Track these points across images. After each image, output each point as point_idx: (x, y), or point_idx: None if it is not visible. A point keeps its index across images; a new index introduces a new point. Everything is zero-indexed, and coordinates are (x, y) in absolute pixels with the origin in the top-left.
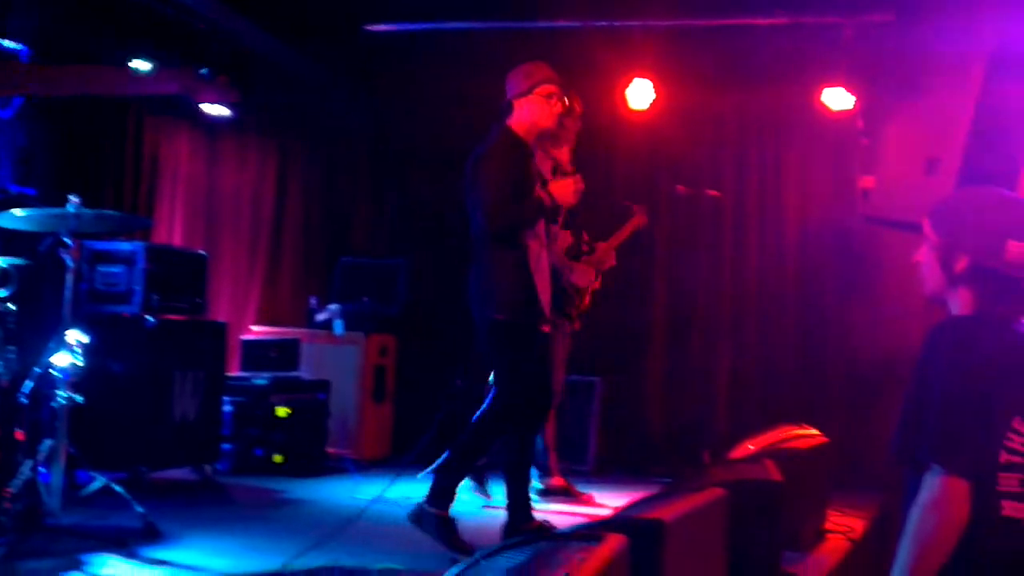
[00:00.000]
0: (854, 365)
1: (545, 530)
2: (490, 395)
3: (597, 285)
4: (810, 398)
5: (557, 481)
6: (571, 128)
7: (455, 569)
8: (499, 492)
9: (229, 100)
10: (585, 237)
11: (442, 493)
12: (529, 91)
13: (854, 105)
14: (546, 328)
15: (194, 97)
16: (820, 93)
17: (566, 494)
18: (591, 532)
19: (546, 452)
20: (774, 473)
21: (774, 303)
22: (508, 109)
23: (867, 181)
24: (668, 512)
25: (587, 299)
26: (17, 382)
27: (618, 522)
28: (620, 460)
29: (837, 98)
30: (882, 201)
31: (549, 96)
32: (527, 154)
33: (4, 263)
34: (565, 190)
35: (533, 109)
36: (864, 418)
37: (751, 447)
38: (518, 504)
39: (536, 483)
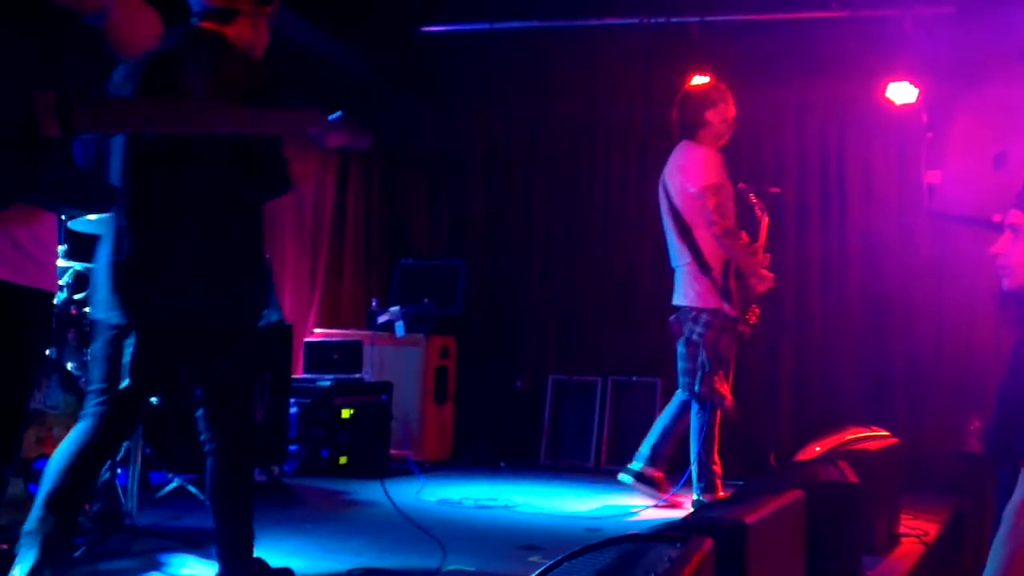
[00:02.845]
0: (920, 364)
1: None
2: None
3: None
4: (875, 398)
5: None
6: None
7: (536, 571)
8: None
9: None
10: (745, 239)
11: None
12: (268, 4)
13: (918, 99)
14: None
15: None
16: (882, 87)
17: (655, 486)
18: (676, 533)
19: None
20: (850, 475)
21: (837, 301)
22: (224, 16)
23: (933, 176)
24: (749, 513)
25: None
26: None
27: (701, 523)
28: (684, 461)
29: (901, 92)
30: (949, 196)
31: (269, 18)
32: None
33: (79, 267)
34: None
35: (262, 29)
36: (929, 417)
37: (818, 449)
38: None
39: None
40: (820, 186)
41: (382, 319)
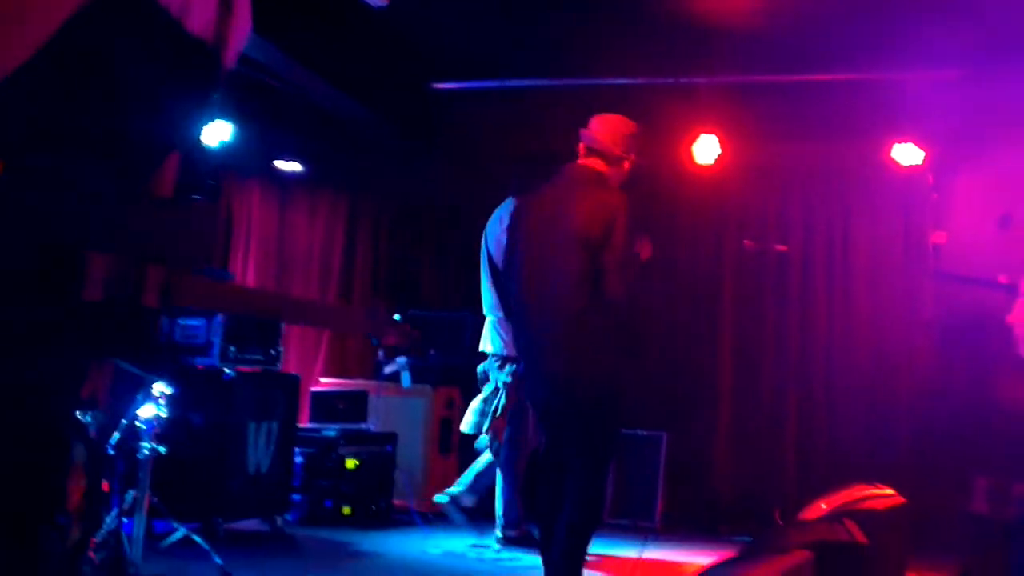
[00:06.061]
0: (925, 422)
1: None
2: None
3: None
4: (880, 454)
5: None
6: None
7: None
8: None
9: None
10: None
11: None
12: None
13: (923, 160)
14: None
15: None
16: (888, 147)
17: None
18: None
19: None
20: (858, 535)
21: (843, 358)
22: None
23: (939, 236)
24: (757, 574)
25: None
26: (104, 434)
27: None
28: (687, 517)
29: (906, 153)
30: (954, 257)
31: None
32: None
33: None
34: None
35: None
36: (934, 476)
37: (824, 506)
38: None
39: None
40: (826, 245)
41: (388, 369)
